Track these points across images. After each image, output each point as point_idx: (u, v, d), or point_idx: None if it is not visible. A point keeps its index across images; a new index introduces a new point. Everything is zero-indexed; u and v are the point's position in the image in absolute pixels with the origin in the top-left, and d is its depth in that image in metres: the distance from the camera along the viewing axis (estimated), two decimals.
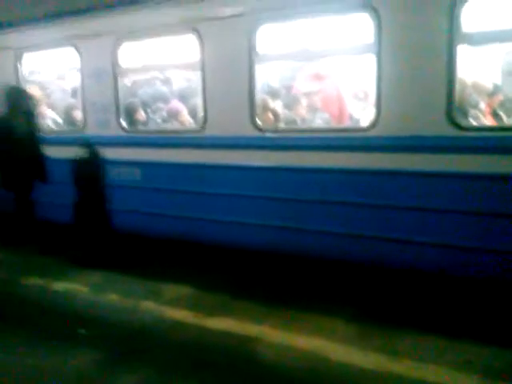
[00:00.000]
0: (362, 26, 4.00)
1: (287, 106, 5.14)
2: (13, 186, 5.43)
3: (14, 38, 6.03)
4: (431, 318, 3.78)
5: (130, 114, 5.43)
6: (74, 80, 5.96)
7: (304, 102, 5.05)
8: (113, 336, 3.74)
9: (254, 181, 4.45)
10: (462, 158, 3.56)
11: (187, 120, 5.52)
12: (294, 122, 4.95)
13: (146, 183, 5.13)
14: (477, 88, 4.37)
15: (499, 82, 4.91)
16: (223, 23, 4.46)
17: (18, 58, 6.04)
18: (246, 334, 3.67)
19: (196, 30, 4.59)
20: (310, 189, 4.18)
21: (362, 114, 4.80)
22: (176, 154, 4.90)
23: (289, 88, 5.34)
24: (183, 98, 5.79)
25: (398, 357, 3.26)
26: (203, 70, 4.63)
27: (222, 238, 4.71)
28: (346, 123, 4.95)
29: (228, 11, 4.43)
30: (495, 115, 4.45)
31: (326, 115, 4.91)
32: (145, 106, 5.68)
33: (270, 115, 4.84)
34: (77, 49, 5.47)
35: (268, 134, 4.43)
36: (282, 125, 4.86)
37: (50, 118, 6.41)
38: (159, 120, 5.62)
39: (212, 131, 4.66)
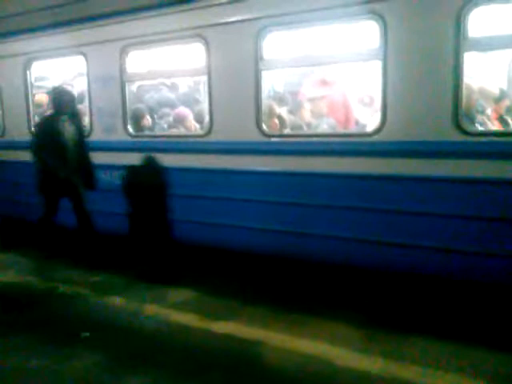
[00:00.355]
0: (368, 33, 4.02)
1: (293, 112, 5.15)
2: (49, 191, 5.22)
3: (23, 45, 6.09)
4: (438, 323, 3.76)
5: (137, 120, 5.46)
6: (82, 86, 5.99)
7: (310, 107, 5.06)
8: (117, 339, 3.75)
9: (260, 186, 4.46)
10: (468, 164, 3.56)
11: (193, 125, 5.55)
12: (300, 127, 4.96)
13: None
14: (483, 93, 4.37)
15: (506, 87, 4.91)
16: (229, 29, 4.49)
17: (28, 65, 6.10)
18: (250, 338, 3.66)
19: (202, 37, 4.63)
20: (316, 194, 4.18)
21: (368, 119, 4.80)
22: (181, 159, 4.92)
23: (295, 94, 5.36)
24: (189, 103, 5.83)
25: (404, 362, 3.24)
26: (209, 75, 4.66)
27: (226, 241, 4.71)
28: (352, 128, 4.95)
29: (234, 18, 4.46)
30: (502, 121, 4.45)
31: (332, 120, 4.92)
32: (151, 111, 5.72)
33: (276, 121, 4.86)
34: (85, 56, 5.51)
35: (274, 140, 4.44)
36: (287, 130, 4.87)
37: None
38: (165, 125, 5.65)
39: (218, 136, 4.68)
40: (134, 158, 5.15)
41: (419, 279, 3.92)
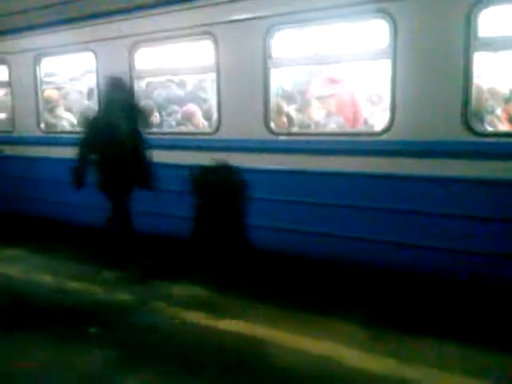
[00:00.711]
0: (377, 31, 4.01)
1: (301, 110, 5.15)
2: (112, 191, 4.91)
3: (33, 42, 6.13)
4: (446, 323, 3.75)
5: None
6: (91, 83, 6.01)
7: (318, 105, 5.05)
8: (124, 336, 3.78)
9: (267, 183, 4.47)
10: (477, 164, 3.54)
11: (201, 122, 5.56)
12: (308, 125, 4.96)
13: None
14: (493, 94, 4.34)
15: None
16: (238, 27, 4.49)
17: (37, 61, 6.13)
18: (258, 337, 3.67)
19: (211, 34, 4.63)
20: (323, 192, 4.18)
21: (376, 118, 4.79)
22: (189, 156, 4.93)
23: (303, 92, 5.36)
24: (198, 100, 5.83)
25: (412, 363, 3.24)
26: (218, 73, 4.66)
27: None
28: (360, 127, 4.94)
29: (243, 15, 4.46)
30: None
31: (340, 119, 4.91)
32: (160, 108, 5.74)
33: (284, 119, 4.85)
34: (94, 52, 5.53)
35: (281, 138, 4.44)
36: (295, 128, 4.87)
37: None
38: (173, 122, 5.67)
39: (226, 134, 4.69)
40: None
41: (426, 279, 3.91)
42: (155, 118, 5.60)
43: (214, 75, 4.77)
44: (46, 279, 5.03)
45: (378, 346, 3.49)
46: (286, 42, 4.45)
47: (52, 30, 5.88)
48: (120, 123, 4.71)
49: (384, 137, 3.89)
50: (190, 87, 6.23)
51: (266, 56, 4.33)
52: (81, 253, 5.78)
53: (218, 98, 4.72)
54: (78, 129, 6.28)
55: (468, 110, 3.53)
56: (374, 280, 4.18)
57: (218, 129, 4.76)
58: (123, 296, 4.53)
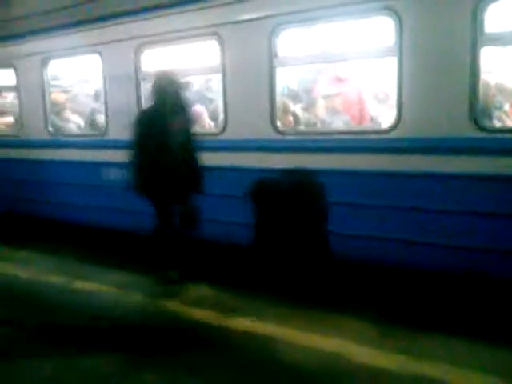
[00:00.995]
0: (383, 29, 4.01)
1: (308, 109, 5.15)
2: (160, 197, 4.54)
3: (39, 45, 6.17)
4: (456, 320, 3.74)
5: None
6: (98, 85, 6.04)
7: (324, 104, 5.05)
8: (135, 336, 3.80)
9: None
10: (484, 160, 3.53)
11: (208, 123, 5.58)
12: (315, 124, 4.96)
13: None
14: (501, 89, 4.33)
15: None
16: (244, 27, 4.50)
17: (44, 64, 6.18)
18: (267, 335, 3.68)
19: (217, 35, 4.65)
20: (329, 191, 4.18)
21: (383, 116, 4.78)
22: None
23: (309, 91, 5.36)
24: (204, 101, 5.85)
25: (422, 359, 3.24)
26: (224, 73, 4.68)
27: (236, 239, 4.77)
28: (367, 125, 4.94)
29: (249, 15, 4.47)
30: None
31: (347, 117, 4.91)
32: None
33: (291, 118, 4.86)
34: (100, 54, 5.57)
35: (288, 137, 4.45)
36: (302, 127, 4.87)
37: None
38: None
39: (232, 134, 4.70)
40: None
41: (437, 276, 3.90)
42: None
43: (220, 75, 4.79)
44: (56, 280, 5.07)
45: (388, 342, 3.49)
46: (291, 41, 4.46)
47: (58, 33, 5.93)
48: (172, 124, 4.44)
49: (391, 134, 3.89)
50: (196, 88, 6.24)
51: (271, 55, 4.34)
52: (89, 253, 5.83)
53: (224, 99, 4.73)
54: (86, 131, 6.36)
55: (476, 106, 3.52)
56: (383, 277, 4.18)
57: (224, 129, 4.77)
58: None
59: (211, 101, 5.82)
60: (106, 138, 5.65)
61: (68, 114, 6.58)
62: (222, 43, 4.63)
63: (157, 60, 5.44)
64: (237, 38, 4.55)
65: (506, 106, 4.33)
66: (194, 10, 4.77)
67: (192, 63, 5.45)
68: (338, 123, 4.86)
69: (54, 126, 6.30)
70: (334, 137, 4.30)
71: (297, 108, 5.05)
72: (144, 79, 5.36)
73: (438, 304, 3.97)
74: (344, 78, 5.11)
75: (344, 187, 4.11)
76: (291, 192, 4.43)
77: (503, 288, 3.62)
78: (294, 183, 4.41)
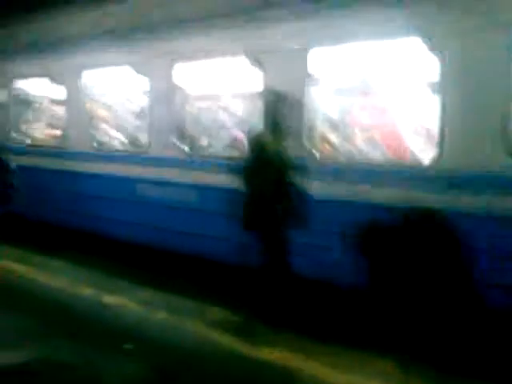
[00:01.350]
0: (426, 64, 4.00)
1: (344, 138, 5.11)
2: (259, 225, 4.14)
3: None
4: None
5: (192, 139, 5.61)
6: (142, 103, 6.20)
7: (362, 134, 5.00)
8: (157, 354, 3.80)
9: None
10: None
11: (245, 147, 5.62)
12: (351, 153, 4.91)
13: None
14: None
15: None
16: (285, 56, 4.58)
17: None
18: (289, 366, 3.60)
19: (258, 61, 4.74)
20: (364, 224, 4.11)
21: (424, 149, 4.70)
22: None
23: (347, 120, 5.33)
24: (242, 125, 5.91)
25: None
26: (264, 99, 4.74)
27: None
28: (407, 159, 4.86)
29: (290, 45, 4.55)
30: None
31: (384, 149, 4.84)
32: (205, 131, 5.86)
33: (327, 146, 4.84)
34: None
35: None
36: (338, 156, 4.84)
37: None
38: (219, 146, 5.76)
39: None
40: None
41: None
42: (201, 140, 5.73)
43: (259, 101, 4.86)
44: (87, 292, 5.16)
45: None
46: (331, 70, 4.50)
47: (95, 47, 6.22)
48: (280, 147, 4.13)
49: (432, 169, 3.82)
50: (235, 112, 6.34)
51: (309, 83, 4.39)
52: (120, 268, 5.93)
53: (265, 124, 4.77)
54: (128, 148, 6.53)
55: None
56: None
57: None
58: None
59: (249, 125, 5.87)
60: (147, 155, 5.79)
61: (112, 130, 6.78)
62: (263, 69, 4.71)
63: (198, 83, 5.58)
64: (277, 65, 4.63)
65: None
66: (236, 38, 4.94)
67: (232, 88, 5.58)
68: (376, 154, 4.81)
69: (98, 141, 6.50)
70: (370, 168, 4.24)
71: (333, 136, 5.03)
72: (185, 101, 5.50)
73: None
74: (383, 109, 5.05)
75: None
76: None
77: None
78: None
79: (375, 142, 4.70)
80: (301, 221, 4.00)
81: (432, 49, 3.80)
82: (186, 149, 5.50)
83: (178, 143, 5.49)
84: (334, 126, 4.96)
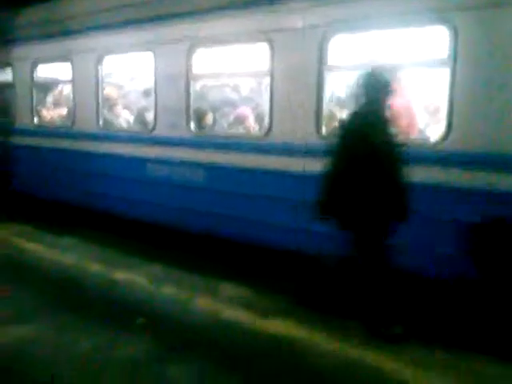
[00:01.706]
0: (437, 39, 3.95)
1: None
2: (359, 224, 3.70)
3: (96, 41, 6.41)
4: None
5: (199, 118, 5.60)
6: (149, 82, 6.20)
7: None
8: (167, 328, 3.88)
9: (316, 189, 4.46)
10: None
11: (252, 126, 5.63)
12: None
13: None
14: None
15: None
16: (295, 34, 4.53)
17: (100, 60, 6.41)
18: (300, 340, 3.68)
19: (269, 40, 4.69)
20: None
21: (432, 127, 4.69)
22: (239, 158, 5.01)
23: None
24: (250, 104, 5.91)
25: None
26: (272, 77, 4.71)
27: (278, 242, 4.77)
28: (415, 137, 4.85)
29: (301, 23, 4.49)
30: None
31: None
32: (213, 110, 5.86)
33: (337, 125, 4.82)
34: (154, 53, 5.72)
35: None
36: None
37: None
38: (225, 124, 5.77)
39: (276, 138, 4.73)
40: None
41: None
42: (208, 119, 5.72)
43: (268, 79, 4.83)
44: (97, 268, 5.23)
45: (425, 359, 3.41)
46: (342, 48, 4.45)
47: (114, 31, 6.14)
48: (381, 133, 3.62)
49: (440, 147, 3.81)
50: (243, 90, 6.32)
51: (321, 62, 4.35)
52: (129, 243, 6.02)
53: (270, 103, 4.76)
54: (134, 127, 6.54)
55: None
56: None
57: (268, 133, 4.80)
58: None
59: (257, 104, 5.86)
60: (153, 134, 5.80)
61: (119, 110, 6.78)
62: (272, 48, 4.67)
63: (208, 61, 5.55)
64: (287, 43, 4.58)
65: None
66: (248, 16, 4.84)
67: (241, 66, 5.55)
68: None
69: (104, 120, 6.51)
70: None
71: (344, 115, 5.01)
72: (194, 79, 5.47)
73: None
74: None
75: None
76: None
77: None
78: None
79: None
80: (405, 212, 3.56)
81: (443, 23, 3.76)
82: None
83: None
84: None
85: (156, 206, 5.81)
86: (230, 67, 5.60)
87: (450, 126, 3.79)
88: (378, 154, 3.53)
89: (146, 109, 6.35)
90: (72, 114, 6.91)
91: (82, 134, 6.66)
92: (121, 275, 5.01)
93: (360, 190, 3.58)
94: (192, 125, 5.41)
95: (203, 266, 5.23)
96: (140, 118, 6.48)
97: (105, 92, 6.57)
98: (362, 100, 3.72)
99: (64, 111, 7.60)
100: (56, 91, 7.89)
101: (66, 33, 6.80)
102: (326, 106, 4.60)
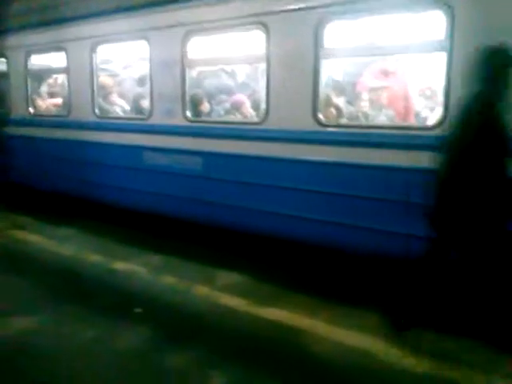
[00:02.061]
0: (433, 23, 3.89)
1: (351, 102, 5.07)
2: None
3: (89, 29, 6.33)
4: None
5: (195, 105, 5.56)
6: (144, 70, 6.13)
7: (369, 97, 4.96)
8: (166, 317, 3.90)
9: (312, 175, 4.45)
10: None
11: (249, 112, 5.59)
12: (358, 117, 4.88)
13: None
14: None
15: None
16: (291, 17, 4.46)
17: (93, 48, 6.33)
18: (297, 326, 3.70)
19: (263, 24, 4.63)
20: (371, 185, 4.12)
21: (429, 112, 4.66)
22: (236, 145, 4.98)
23: (354, 84, 5.27)
24: (246, 90, 5.86)
25: (451, 363, 3.18)
26: (268, 63, 4.66)
27: (274, 229, 4.75)
28: (412, 121, 4.82)
29: (296, 5, 4.42)
30: None
31: (391, 112, 4.81)
32: (209, 97, 5.81)
33: (333, 110, 4.80)
34: (148, 40, 5.65)
35: (330, 129, 4.40)
36: (344, 120, 4.80)
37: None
38: (222, 111, 5.72)
39: (273, 124, 4.70)
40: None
41: None
42: (204, 106, 5.67)
43: (264, 65, 4.78)
44: (96, 258, 5.24)
45: (418, 344, 3.43)
46: (338, 32, 4.39)
47: (107, 18, 6.06)
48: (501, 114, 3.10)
49: (437, 131, 3.78)
50: (239, 77, 6.26)
51: (317, 46, 4.29)
52: (127, 233, 6.03)
53: (267, 89, 4.71)
54: (132, 115, 6.49)
55: None
56: None
57: (265, 119, 4.76)
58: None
59: (254, 90, 5.81)
60: (149, 122, 5.76)
61: (115, 98, 6.73)
62: (267, 33, 4.60)
63: (203, 48, 5.48)
64: (283, 27, 4.51)
65: None
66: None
67: (237, 52, 5.48)
68: (382, 118, 4.77)
69: (100, 108, 6.46)
70: (377, 131, 4.21)
71: (340, 100, 4.98)
72: (189, 66, 5.41)
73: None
74: (391, 72, 4.99)
75: (380, 181, 4.03)
76: None
77: None
78: None
79: None
80: None
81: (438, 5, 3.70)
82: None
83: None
84: None
85: (153, 195, 5.80)
86: (225, 53, 5.54)
87: None
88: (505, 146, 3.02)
89: (141, 96, 6.30)
90: (67, 103, 6.86)
91: (77, 123, 6.62)
92: (120, 265, 5.03)
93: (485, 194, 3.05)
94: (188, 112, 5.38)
95: (201, 255, 5.24)
96: (136, 105, 6.43)
97: (100, 80, 6.52)
98: (484, 80, 3.18)
99: (59, 100, 7.54)
100: (51, 80, 7.82)
101: (60, 21, 6.72)
102: (323, 92, 4.56)
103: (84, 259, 5.23)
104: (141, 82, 6.55)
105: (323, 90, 4.50)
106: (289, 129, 4.58)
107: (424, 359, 3.24)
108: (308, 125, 4.42)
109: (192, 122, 5.39)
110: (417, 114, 4.96)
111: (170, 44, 5.40)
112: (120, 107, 6.69)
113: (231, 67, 6.20)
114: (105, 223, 6.45)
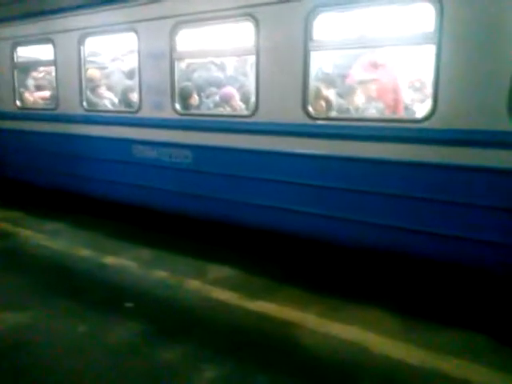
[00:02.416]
0: (422, 15, 3.89)
1: (341, 95, 5.06)
2: None
3: (77, 21, 6.24)
4: (477, 315, 3.68)
5: (184, 98, 5.52)
6: (133, 63, 6.07)
7: (359, 90, 4.96)
8: (157, 311, 3.90)
9: (302, 168, 4.45)
10: None
11: (239, 105, 5.57)
12: (347, 110, 4.88)
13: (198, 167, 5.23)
14: None
15: None
16: (280, 9, 4.44)
17: (81, 40, 6.25)
18: (288, 319, 3.72)
19: (252, 16, 4.60)
20: (359, 179, 4.14)
21: (418, 104, 4.67)
22: (226, 138, 4.97)
23: (344, 76, 5.26)
24: (236, 83, 5.83)
25: (442, 354, 3.22)
26: (258, 55, 4.64)
27: (264, 222, 4.76)
28: (401, 114, 4.83)
29: None
30: None
31: (381, 105, 4.81)
32: (199, 90, 5.77)
33: (323, 103, 4.80)
34: (136, 33, 5.59)
35: (319, 122, 4.40)
36: (334, 113, 4.80)
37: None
38: (211, 104, 5.69)
39: (263, 117, 4.68)
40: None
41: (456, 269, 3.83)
42: (194, 99, 5.64)
43: (253, 57, 4.75)
44: (86, 253, 5.22)
45: (406, 334, 3.48)
46: (328, 25, 4.37)
47: (96, 10, 5.98)
48: None
49: (425, 124, 3.80)
50: (228, 69, 6.22)
51: (306, 39, 4.28)
52: (118, 227, 6.02)
53: (256, 81, 4.70)
54: (120, 108, 6.43)
55: None
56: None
57: (255, 112, 4.75)
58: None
59: (243, 83, 5.78)
60: (138, 115, 5.72)
61: (103, 91, 6.66)
62: (257, 25, 4.57)
63: (192, 40, 5.43)
64: (272, 19, 4.48)
65: None
66: None
67: (226, 44, 5.44)
68: (372, 110, 4.77)
69: (88, 101, 6.40)
70: (367, 124, 4.22)
71: (330, 93, 4.97)
72: (178, 59, 5.37)
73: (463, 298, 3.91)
74: (380, 64, 4.99)
75: (368, 174, 4.05)
76: None
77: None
78: None
79: None
80: None
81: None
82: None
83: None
84: None
85: (143, 189, 5.77)
86: (214, 46, 5.50)
87: None
88: None
89: (130, 89, 6.24)
90: (55, 96, 6.78)
91: (65, 116, 6.55)
92: (110, 259, 5.02)
93: None
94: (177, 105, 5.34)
95: (192, 248, 5.24)
96: (124, 98, 6.37)
97: (88, 73, 6.45)
98: None
99: (47, 93, 7.45)
100: (38, 73, 7.72)
101: (47, 12, 6.62)
102: (313, 84, 4.55)
103: (74, 254, 5.20)
104: (129, 74, 6.50)
105: (313, 82, 4.50)
106: (278, 122, 4.57)
107: (415, 350, 3.27)
108: (298, 118, 4.42)
109: (181, 115, 5.36)
110: (406, 107, 4.97)
111: (158, 36, 5.35)
112: (108, 100, 6.63)
113: (220, 60, 6.16)
114: (95, 217, 6.43)
